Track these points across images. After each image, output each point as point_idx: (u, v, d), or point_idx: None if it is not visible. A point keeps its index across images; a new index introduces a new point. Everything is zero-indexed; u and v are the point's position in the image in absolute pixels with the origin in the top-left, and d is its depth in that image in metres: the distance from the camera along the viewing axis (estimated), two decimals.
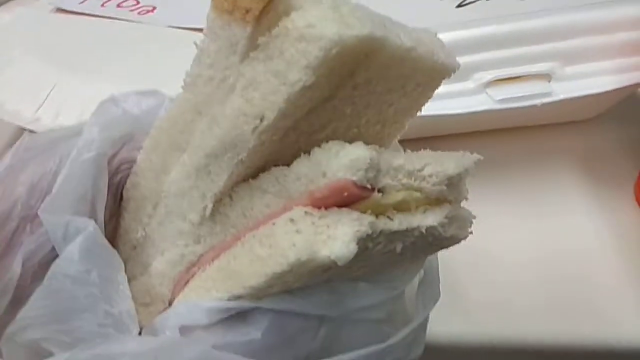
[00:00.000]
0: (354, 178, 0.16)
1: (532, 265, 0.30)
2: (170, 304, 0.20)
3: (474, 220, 0.19)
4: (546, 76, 0.32)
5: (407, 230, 0.17)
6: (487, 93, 0.32)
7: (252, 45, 0.17)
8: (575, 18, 0.32)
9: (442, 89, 0.33)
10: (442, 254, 0.20)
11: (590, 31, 0.32)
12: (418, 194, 0.17)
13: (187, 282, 0.19)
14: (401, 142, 0.21)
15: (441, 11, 0.35)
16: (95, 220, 0.19)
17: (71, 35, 0.43)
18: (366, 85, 0.17)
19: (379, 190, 0.17)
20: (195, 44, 0.18)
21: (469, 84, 0.32)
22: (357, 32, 0.15)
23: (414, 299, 0.21)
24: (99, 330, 0.18)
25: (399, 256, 0.18)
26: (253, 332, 0.17)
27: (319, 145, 0.17)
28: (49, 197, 0.19)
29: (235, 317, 0.17)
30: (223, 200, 0.19)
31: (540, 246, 0.31)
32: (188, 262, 0.20)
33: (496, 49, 0.32)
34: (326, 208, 0.16)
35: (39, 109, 0.37)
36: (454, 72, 0.19)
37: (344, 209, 0.16)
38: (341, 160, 0.17)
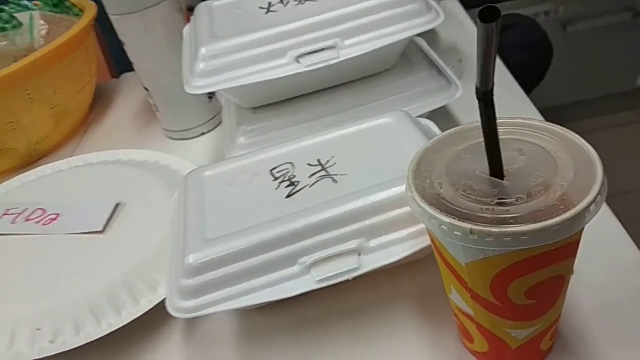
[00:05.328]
0: None
1: None
2: None
3: None
4: (356, 251, 0.40)
5: None
6: (310, 274, 0.39)
7: None
8: (374, 198, 0.41)
9: (273, 276, 0.40)
10: None
11: (387, 208, 0.40)
12: None
13: None
14: None
15: (274, 203, 0.43)
16: None
17: None
18: None
19: None
20: None
21: (296, 269, 0.39)
22: None
23: None
24: None
25: None
26: None
27: None
28: None
29: None
30: None
31: None
32: None
33: (316, 235, 0.40)
34: None
35: None
36: None
37: None
38: None
